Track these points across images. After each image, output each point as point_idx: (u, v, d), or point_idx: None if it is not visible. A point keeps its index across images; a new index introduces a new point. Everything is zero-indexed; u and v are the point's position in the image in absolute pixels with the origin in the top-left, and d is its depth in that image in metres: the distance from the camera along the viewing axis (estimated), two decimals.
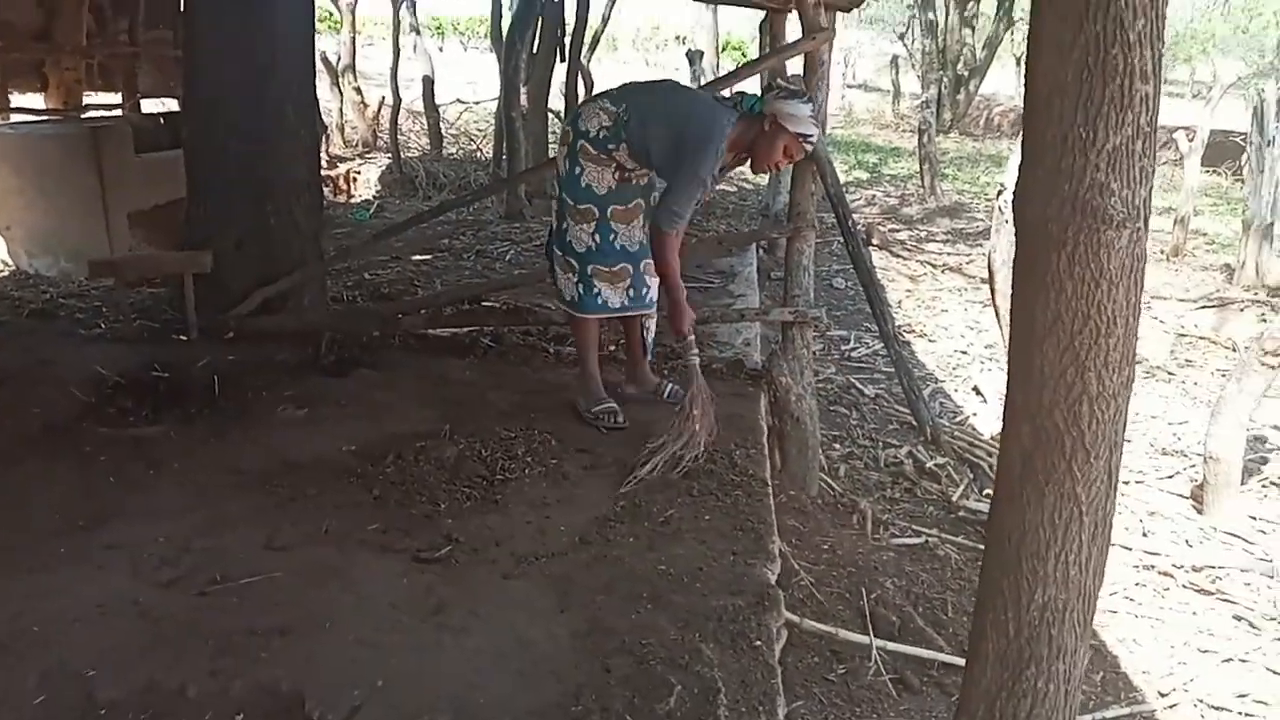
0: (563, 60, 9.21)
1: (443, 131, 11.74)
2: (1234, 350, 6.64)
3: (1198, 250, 9.85)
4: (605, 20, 12.46)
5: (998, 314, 4.88)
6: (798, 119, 2.99)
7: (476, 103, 13.59)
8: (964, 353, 6.45)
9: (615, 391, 3.45)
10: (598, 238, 3.21)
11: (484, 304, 4.76)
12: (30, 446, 3.07)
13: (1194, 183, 9.79)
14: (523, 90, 8.47)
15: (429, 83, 11.22)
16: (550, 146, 9.22)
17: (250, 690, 1.97)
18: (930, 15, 19.17)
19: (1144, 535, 4.18)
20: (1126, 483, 4.56)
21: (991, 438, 4.70)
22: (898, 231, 10.29)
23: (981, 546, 1.53)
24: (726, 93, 3.49)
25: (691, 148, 2.97)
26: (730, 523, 2.69)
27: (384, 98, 11.64)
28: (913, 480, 4.27)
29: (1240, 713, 3.07)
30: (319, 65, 5.14)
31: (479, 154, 11.67)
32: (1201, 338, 7.08)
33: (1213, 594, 3.74)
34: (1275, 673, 3.28)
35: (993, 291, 4.95)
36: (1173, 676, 3.23)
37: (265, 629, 2.16)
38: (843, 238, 3.90)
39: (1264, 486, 4.65)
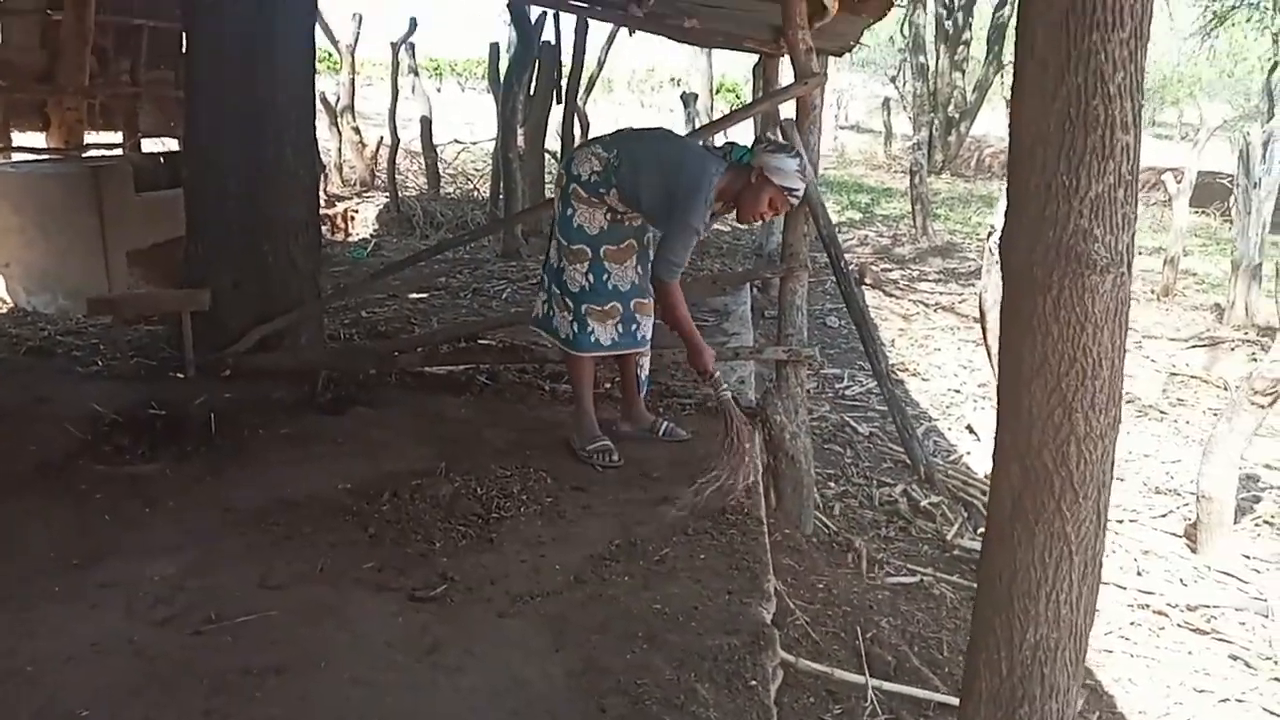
0: (559, 102, 9.34)
1: (440, 171, 11.85)
2: (1225, 389, 6.69)
3: (1188, 290, 9.94)
4: (601, 63, 12.63)
5: (989, 353, 4.93)
6: (784, 173, 3.06)
7: (474, 143, 13.73)
8: (957, 391, 6.48)
9: (610, 429, 3.47)
10: (591, 277, 3.26)
11: (480, 342, 4.77)
12: (26, 484, 3.08)
13: (1183, 223, 9.91)
14: (520, 131, 8.57)
15: (427, 123, 11.34)
16: (547, 187, 9.31)
17: None
18: (921, 59, 19.49)
19: (1138, 574, 4.19)
20: (1120, 521, 4.57)
21: (985, 476, 4.71)
22: (890, 271, 10.37)
23: (976, 585, 1.55)
24: (721, 137, 3.56)
25: (681, 196, 3.04)
26: (725, 561, 2.70)
27: (382, 138, 11.77)
28: (907, 519, 4.28)
29: None
30: (318, 105, 5.21)
31: (476, 193, 11.78)
32: (1193, 377, 7.13)
33: (1208, 633, 3.74)
34: (1272, 713, 3.28)
35: (984, 331, 5.00)
36: (1169, 717, 3.22)
37: (260, 668, 2.15)
38: (835, 278, 3.94)
39: (1257, 525, 4.66)
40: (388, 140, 11.27)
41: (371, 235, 9.47)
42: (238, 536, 2.77)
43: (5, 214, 5.43)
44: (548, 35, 8.76)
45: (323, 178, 9.67)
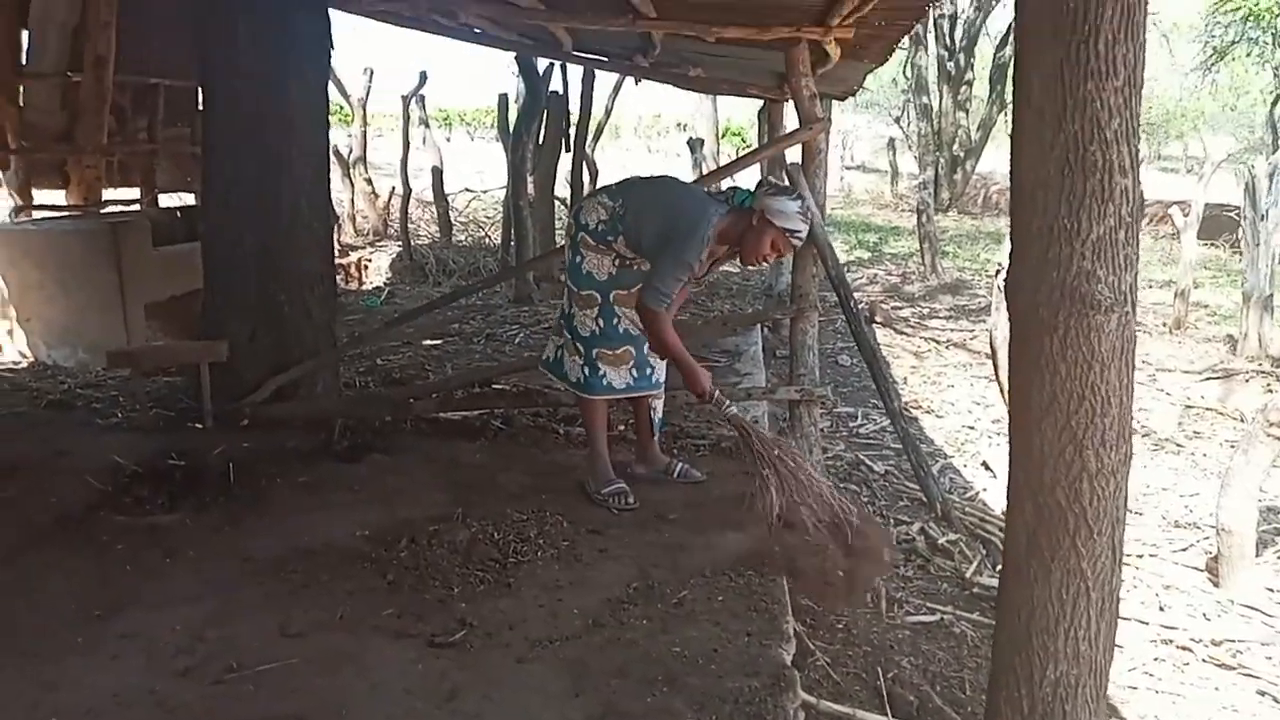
0: (568, 150, 9.47)
1: (452, 219, 11.99)
2: (1241, 421, 6.65)
3: (1200, 322, 9.92)
4: (609, 111, 12.82)
5: (1002, 389, 4.93)
6: (786, 215, 3.10)
7: (484, 191, 13.91)
8: (971, 428, 6.47)
9: (625, 471, 3.48)
10: (601, 322, 3.30)
11: (494, 387, 4.82)
12: (47, 536, 3.11)
13: (1192, 256, 9.92)
14: (529, 180, 8.69)
15: (438, 173, 11.51)
16: (557, 233, 9.41)
17: None
18: (924, 99, 19.68)
19: (1160, 609, 4.14)
20: (1140, 556, 4.54)
21: (1003, 513, 4.69)
22: (900, 309, 10.40)
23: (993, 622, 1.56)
24: (727, 181, 3.62)
25: (678, 234, 3.10)
26: (744, 603, 2.69)
27: (394, 188, 11.95)
28: (925, 557, 4.25)
29: None
30: (331, 158, 5.32)
31: (487, 241, 11.90)
32: (1208, 409, 7.10)
33: (1234, 668, 3.69)
34: None
35: (995, 367, 5.01)
36: None
37: (281, 717, 2.16)
38: (845, 318, 3.97)
39: (1279, 558, 4.61)
40: (400, 190, 11.44)
41: (385, 283, 9.58)
42: (257, 585, 2.79)
43: (27, 270, 5.53)
44: (555, 85, 8.90)
45: (336, 228, 9.81)
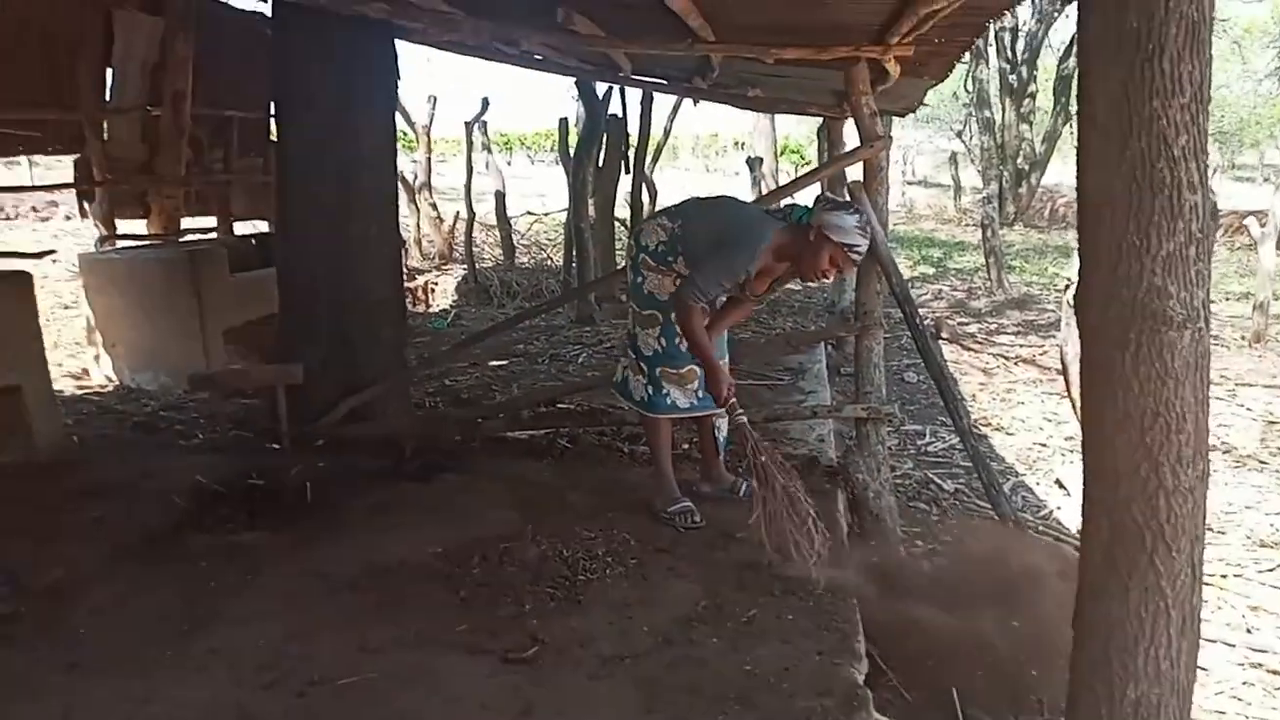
0: (627, 172, 9.56)
1: (514, 242, 12.17)
2: None
3: None
4: (667, 132, 12.90)
5: (1074, 406, 4.83)
6: (844, 230, 3.08)
7: (546, 214, 14.09)
8: (1043, 445, 6.34)
9: (690, 490, 3.50)
10: (663, 341, 3.34)
11: (559, 406, 4.88)
12: (135, 553, 3.23)
13: (1270, 267, 9.60)
14: (590, 202, 8.79)
15: (501, 197, 11.70)
16: (618, 254, 9.49)
17: None
18: (987, 113, 19.41)
19: (1248, 631, 4.01)
20: (1224, 576, 4.40)
21: (1077, 531, 4.59)
22: (967, 325, 10.24)
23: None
24: (787, 200, 3.63)
25: (730, 245, 3.12)
26: (814, 622, 2.69)
27: (458, 212, 12.17)
28: None
29: None
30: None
31: (549, 262, 12.05)
32: None
33: None
34: None
35: (1067, 384, 4.92)
36: None
37: None
38: (911, 335, 3.95)
39: None
40: (464, 214, 11.65)
41: (451, 306, 9.75)
42: (335, 602, 2.87)
43: (113, 297, 5.77)
44: (614, 108, 9.01)
45: (403, 252, 10.02)
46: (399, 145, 5.38)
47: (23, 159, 14.85)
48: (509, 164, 27.30)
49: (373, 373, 4.47)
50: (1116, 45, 1.24)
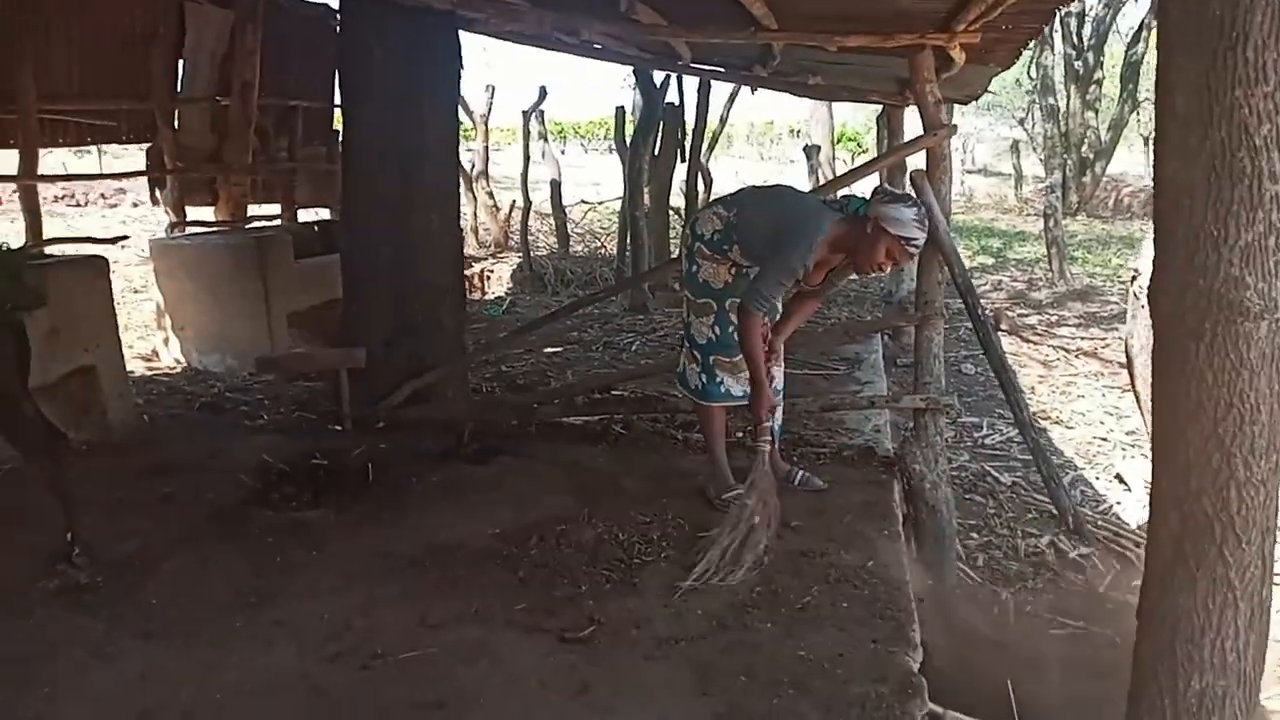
0: (683, 160, 9.55)
1: (569, 231, 12.23)
2: None
3: None
4: (724, 120, 12.84)
5: (1138, 399, 4.73)
6: (901, 222, 3.04)
7: (600, 203, 14.13)
8: (1104, 439, 6.23)
9: (745, 478, 3.50)
10: (717, 330, 3.35)
11: (614, 393, 4.92)
12: (204, 529, 3.34)
13: None
14: (645, 190, 8.80)
15: (556, 186, 11.76)
16: (672, 242, 9.49)
17: None
18: (1051, 100, 18.97)
19: None
20: None
21: (1139, 527, 4.51)
22: (1027, 316, 10.07)
23: (1133, 639, 1.52)
24: (845, 190, 3.61)
25: (786, 239, 3.10)
26: (868, 610, 2.69)
27: (514, 201, 12.27)
28: (1055, 571, 4.13)
29: None
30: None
31: (603, 251, 12.10)
32: None
33: None
34: None
35: (1132, 377, 4.81)
36: None
37: (423, 702, 2.28)
38: (972, 325, 3.90)
39: None
40: (520, 203, 11.74)
41: (506, 293, 9.85)
42: (397, 579, 2.94)
43: (182, 281, 5.93)
44: (671, 96, 9.00)
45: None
46: None
47: (92, 149, 15.35)
48: (563, 153, 27.42)
49: (433, 358, 4.55)
50: (1198, 33, 1.22)
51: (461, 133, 5.57)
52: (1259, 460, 1.33)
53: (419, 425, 4.34)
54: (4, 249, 3.85)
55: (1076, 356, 8.48)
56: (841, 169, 13.98)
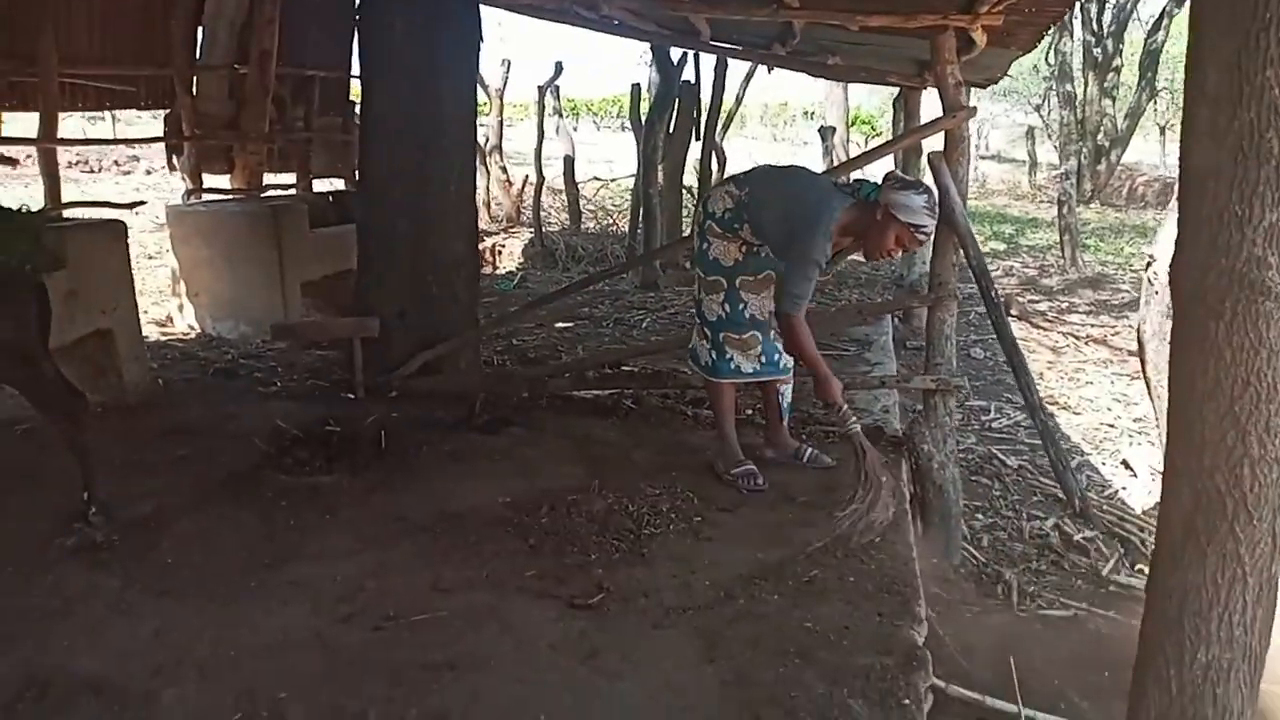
0: (698, 139, 9.52)
1: (581, 207, 12.23)
2: None
3: None
4: (739, 99, 12.78)
5: (1148, 386, 4.72)
6: (911, 210, 3.05)
7: (613, 180, 14.10)
8: (1111, 426, 6.23)
9: (754, 454, 3.53)
10: (727, 307, 3.36)
11: (624, 368, 4.94)
12: (219, 492, 3.38)
13: None
14: (659, 168, 8.78)
15: (569, 162, 11.74)
16: (684, 221, 9.48)
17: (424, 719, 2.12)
18: (1068, 87, 18.82)
19: None
20: None
21: (1143, 512, 4.53)
22: (1037, 303, 10.05)
23: (1135, 622, 1.54)
24: (859, 173, 3.61)
25: (800, 229, 3.10)
26: (875, 584, 2.72)
27: (527, 176, 12.26)
28: (1059, 553, 4.14)
29: None
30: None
31: (615, 228, 12.09)
32: None
33: None
34: None
35: (1143, 364, 4.80)
36: None
37: (434, 664, 2.32)
38: (986, 309, 3.91)
39: None
40: (533, 178, 11.73)
41: (518, 268, 9.87)
42: (409, 543, 2.97)
43: (198, 247, 5.96)
44: (687, 75, 8.97)
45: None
46: None
47: (106, 115, 15.36)
48: (575, 130, 27.31)
49: (446, 329, 4.58)
50: (1231, 12, 1.23)
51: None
52: (1274, 438, 1.34)
53: (431, 395, 4.37)
54: (24, 211, 3.88)
55: (1086, 343, 8.47)
56: (855, 152, 13.91)
